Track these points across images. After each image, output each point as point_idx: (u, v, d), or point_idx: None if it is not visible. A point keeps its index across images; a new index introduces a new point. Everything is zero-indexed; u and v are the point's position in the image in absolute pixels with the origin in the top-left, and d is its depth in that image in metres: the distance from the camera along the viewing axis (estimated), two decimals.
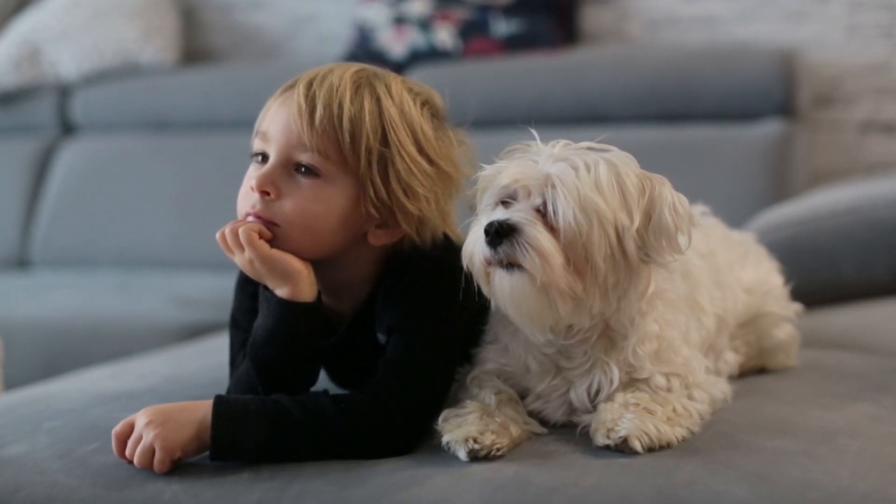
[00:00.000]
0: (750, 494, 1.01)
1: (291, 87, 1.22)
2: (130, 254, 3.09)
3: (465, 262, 1.16)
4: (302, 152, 1.19)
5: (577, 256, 1.10)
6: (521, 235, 1.10)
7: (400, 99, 1.22)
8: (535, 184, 1.13)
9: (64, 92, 3.38)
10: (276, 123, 1.21)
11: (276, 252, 1.19)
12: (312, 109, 1.18)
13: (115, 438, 1.16)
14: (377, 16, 3.09)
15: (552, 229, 1.11)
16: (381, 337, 1.24)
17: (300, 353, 1.21)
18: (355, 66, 1.24)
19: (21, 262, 3.26)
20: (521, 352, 1.20)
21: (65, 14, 3.37)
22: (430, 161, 1.22)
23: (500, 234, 1.11)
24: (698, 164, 2.55)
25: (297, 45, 3.44)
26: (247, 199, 1.21)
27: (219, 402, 1.15)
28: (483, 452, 1.11)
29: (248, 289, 1.28)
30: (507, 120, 2.77)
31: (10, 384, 2.01)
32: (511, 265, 1.11)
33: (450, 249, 1.24)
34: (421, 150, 1.21)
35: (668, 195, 1.13)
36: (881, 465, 1.09)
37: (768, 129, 2.58)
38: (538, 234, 1.10)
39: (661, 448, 1.11)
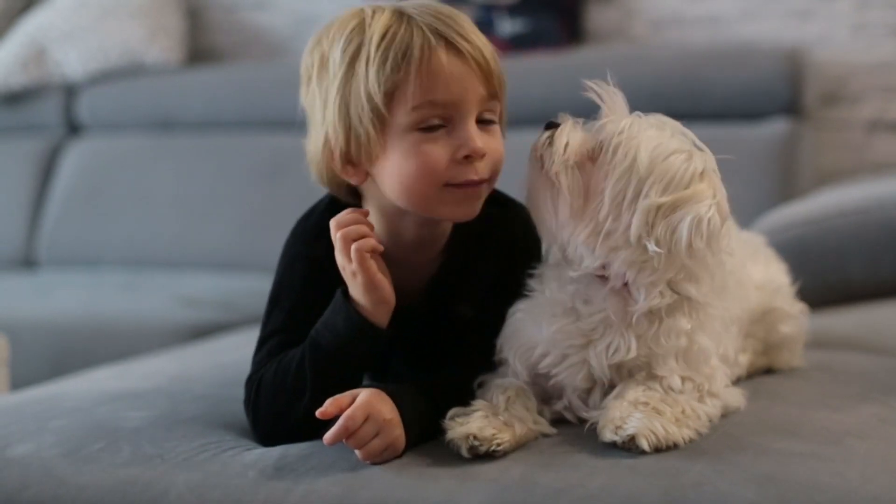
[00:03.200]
0: (758, 496, 1.00)
1: (439, 38, 1.18)
2: (136, 253, 3.10)
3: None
4: (487, 102, 1.20)
5: (594, 181, 1.15)
6: (557, 132, 1.19)
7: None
8: (615, 118, 1.20)
9: (70, 92, 3.38)
10: (461, 85, 1.18)
11: (380, 279, 1.17)
12: (486, 60, 1.20)
13: (344, 429, 1.10)
14: None
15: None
16: (466, 310, 1.25)
17: (362, 367, 1.23)
18: (428, 3, 1.24)
19: (27, 262, 3.26)
20: (550, 285, 1.21)
21: (71, 14, 3.37)
22: None
23: (548, 126, 1.21)
24: None
25: (301, 45, 3.40)
26: (446, 171, 1.18)
27: (410, 424, 1.14)
28: (483, 448, 1.11)
29: (303, 267, 1.26)
30: (512, 119, 2.76)
31: (16, 383, 2.01)
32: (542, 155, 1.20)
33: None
34: None
35: (703, 209, 1.13)
36: (890, 466, 1.09)
37: (774, 128, 2.58)
38: (563, 134, 1.18)
39: (668, 448, 1.11)
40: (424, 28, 1.18)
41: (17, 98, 3.40)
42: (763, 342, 1.43)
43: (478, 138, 1.18)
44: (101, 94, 3.33)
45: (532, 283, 1.24)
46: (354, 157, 1.20)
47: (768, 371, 1.45)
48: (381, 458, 1.12)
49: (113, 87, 3.31)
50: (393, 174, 1.19)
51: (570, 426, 1.20)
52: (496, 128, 1.22)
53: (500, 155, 1.21)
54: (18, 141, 3.40)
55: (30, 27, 3.40)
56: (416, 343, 1.29)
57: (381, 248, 1.18)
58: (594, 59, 2.83)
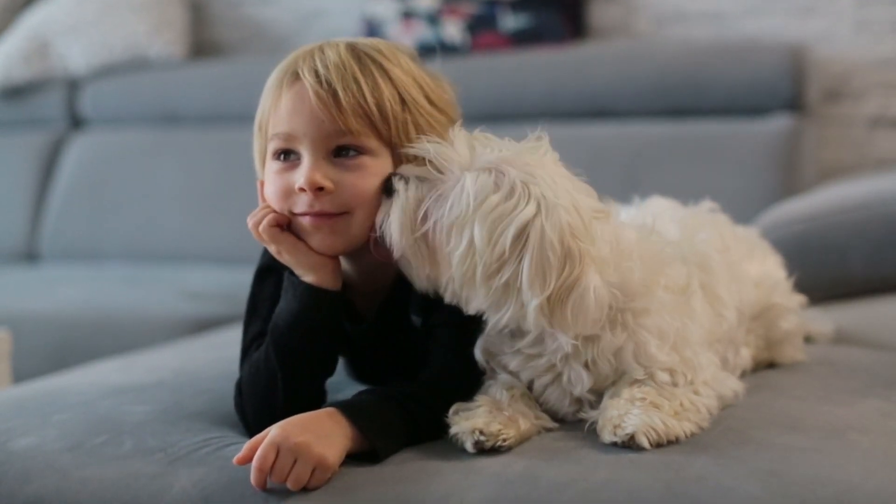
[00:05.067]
0: (760, 490, 1.01)
1: (295, 78, 1.22)
2: (139, 247, 3.10)
3: None
4: (339, 137, 1.19)
5: (440, 253, 1.13)
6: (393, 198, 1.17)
7: (397, 59, 1.24)
8: (450, 175, 1.15)
9: (73, 85, 3.38)
10: (300, 119, 1.20)
11: (301, 245, 1.21)
12: (334, 94, 1.19)
13: (259, 471, 1.08)
14: (385, 10, 3.09)
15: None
16: (416, 319, 1.25)
17: (322, 340, 1.22)
18: (341, 41, 1.25)
19: (30, 256, 3.26)
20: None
21: (74, 8, 3.37)
22: (440, 111, 1.25)
23: (385, 191, 1.19)
24: (706, 159, 2.55)
25: (305, 39, 3.43)
26: (289, 199, 1.21)
27: (360, 418, 1.13)
28: (489, 444, 1.11)
29: (272, 278, 1.28)
30: (515, 114, 2.77)
31: (19, 377, 2.02)
32: None
33: None
34: (431, 103, 1.24)
35: (594, 277, 1.11)
36: (892, 460, 1.09)
37: (776, 124, 2.57)
38: (397, 207, 1.16)
39: (669, 443, 1.11)
40: (300, 62, 1.22)
41: (20, 92, 3.40)
42: (764, 339, 1.43)
43: (315, 172, 1.19)
44: (104, 88, 3.33)
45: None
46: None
47: (771, 365, 1.45)
48: (315, 481, 1.08)
49: (116, 81, 3.32)
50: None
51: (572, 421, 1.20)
52: (361, 161, 1.20)
53: (358, 190, 1.19)
54: (21, 135, 3.40)
55: (33, 21, 3.41)
56: (399, 356, 1.29)
57: (284, 216, 1.22)
58: (597, 55, 2.83)
